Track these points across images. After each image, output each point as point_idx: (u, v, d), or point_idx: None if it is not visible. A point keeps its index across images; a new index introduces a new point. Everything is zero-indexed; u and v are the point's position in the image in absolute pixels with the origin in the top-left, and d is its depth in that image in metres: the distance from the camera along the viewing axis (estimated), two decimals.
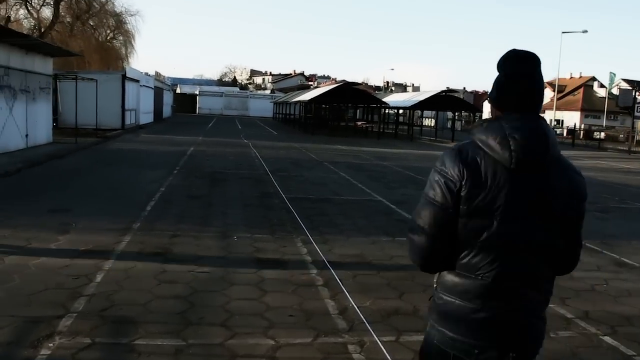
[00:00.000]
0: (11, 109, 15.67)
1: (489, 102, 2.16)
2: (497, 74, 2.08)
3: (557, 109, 52.74)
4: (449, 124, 66.62)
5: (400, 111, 46.42)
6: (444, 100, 39.32)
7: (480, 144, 1.97)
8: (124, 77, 28.44)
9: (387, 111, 53.86)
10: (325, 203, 11.04)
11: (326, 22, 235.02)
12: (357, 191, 12.89)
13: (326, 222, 9.22)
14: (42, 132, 18.39)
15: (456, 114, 43.44)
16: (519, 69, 2.02)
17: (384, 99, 43.57)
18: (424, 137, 40.90)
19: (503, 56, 2.07)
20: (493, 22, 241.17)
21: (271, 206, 10.34)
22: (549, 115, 74.42)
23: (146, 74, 45.33)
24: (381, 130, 39.87)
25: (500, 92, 2.05)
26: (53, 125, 24.88)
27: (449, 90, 41.16)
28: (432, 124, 67.47)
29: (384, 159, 21.51)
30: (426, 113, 54.81)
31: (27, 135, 16.95)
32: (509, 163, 1.91)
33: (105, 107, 27.46)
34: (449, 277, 2.04)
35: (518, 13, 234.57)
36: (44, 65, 18.42)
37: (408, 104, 40.15)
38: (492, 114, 2.09)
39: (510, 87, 2.02)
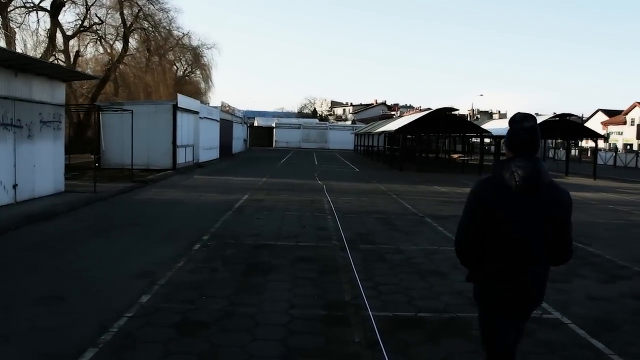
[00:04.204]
0: None
1: (504, 146, 3.34)
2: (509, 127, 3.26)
3: None
4: (551, 153, 58.82)
5: (488, 140, 40.17)
6: (557, 127, 32.47)
7: (497, 177, 3.16)
8: (176, 108, 23.91)
9: (474, 140, 47.58)
10: (459, 339, 5.30)
11: (408, 52, 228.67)
12: None
13: None
14: (45, 179, 13.74)
15: (571, 141, 36.36)
16: (523, 126, 3.18)
17: (482, 127, 37.21)
18: None
19: (512, 117, 3.26)
20: (571, 45, 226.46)
21: None
22: None
23: (224, 106, 41.49)
24: (482, 163, 33.42)
25: (511, 140, 3.22)
26: (95, 166, 20.69)
27: (564, 115, 34.03)
28: None
29: None
30: None
31: (15, 186, 12.33)
32: (515, 189, 3.08)
33: (154, 143, 23.16)
34: (485, 265, 3.21)
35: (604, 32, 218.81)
36: (50, 92, 13.89)
37: None
38: (506, 155, 3.26)
39: (517, 138, 3.19)
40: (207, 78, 53.78)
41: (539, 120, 32.51)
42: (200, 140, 28.81)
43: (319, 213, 13.25)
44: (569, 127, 33.38)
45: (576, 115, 55.37)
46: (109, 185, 16.89)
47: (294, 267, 7.86)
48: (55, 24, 34.80)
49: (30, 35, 33.91)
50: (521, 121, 3.20)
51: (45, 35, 34.38)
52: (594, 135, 34.40)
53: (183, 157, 25.46)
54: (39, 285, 6.58)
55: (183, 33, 46.47)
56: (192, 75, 56.49)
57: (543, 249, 3.16)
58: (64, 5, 35.74)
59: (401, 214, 13.60)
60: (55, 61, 34.60)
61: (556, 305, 6.43)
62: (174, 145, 23.82)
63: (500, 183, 3.12)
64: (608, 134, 71.01)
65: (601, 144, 56.60)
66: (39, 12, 34.31)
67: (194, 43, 48.93)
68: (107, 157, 23.67)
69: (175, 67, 52.33)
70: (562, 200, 3.17)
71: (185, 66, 55.56)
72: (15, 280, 6.81)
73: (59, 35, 36.06)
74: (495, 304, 3.24)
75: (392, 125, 37.10)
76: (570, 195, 3.21)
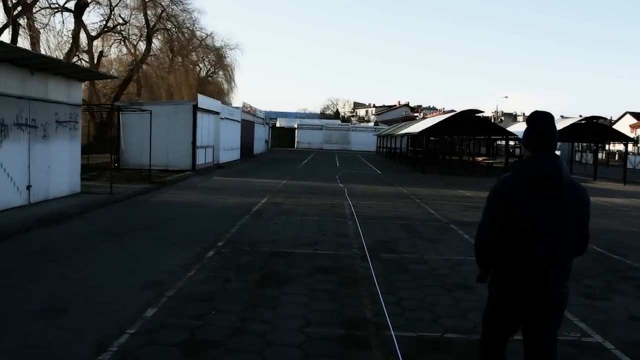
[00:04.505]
0: None
1: (522, 145, 3.28)
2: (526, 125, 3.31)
3: None
4: (578, 157, 57.31)
5: (513, 142, 39.64)
6: (584, 130, 31.57)
7: (518, 175, 3.16)
8: (196, 108, 23.65)
9: (498, 143, 46.83)
10: None
11: (431, 53, 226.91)
12: None
13: None
14: (60, 180, 13.51)
15: (599, 145, 35.27)
16: (541, 124, 3.21)
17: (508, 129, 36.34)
18: None
19: (529, 115, 3.29)
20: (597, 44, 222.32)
21: None
22: None
23: (246, 106, 41.28)
24: (507, 166, 32.64)
25: (528, 139, 3.22)
26: (114, 167, 20.49)
27: (591, 117, 33.04)
28: None
29: None
30: None
31: (28, 187, 12.10)
32: (535, 187, 3.08)
33: (174, 144, 22.96)
34: (504, 264, 3.18)
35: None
36: (67, 92, 13.66)
37: None
38: (524, 154, 3.26)
39: (535, 136, 3.19)
40: (229, 79, 53.55)
41: (566, 123, 31.78)
42: (221, 141, 28.56)
43: (340, 218, 12.79)
44: (597, 130, 32.41)
45: (604, 118, 54.10)
46: (126, 186, 16.65)
47: (311, 278, 7.41)
48: (79, 24, 34.87)
49: (54, 36, 33.96)
50: (538, 119, 3.25)
51: (69, 36, 34.48)
52: (624, 139, 33.34)
53: (203, 158, 25.21)
54: (40, 295, 6.23)
55: (206, 34, 46.40)
56: (215, 75, 56.39)
57: (563, 247, 3.13)
58: (88, 6, 35.82)
59: (425, 220, 13.08)
60: (79, 61, 34.69)
61: (595, 327, 5.87)
62: (194, 146, 23.57)
63: (520, 181, 3.13)
64: (637, 137, 69.28)
65: (630, 147, 55.16)
66: (64, 13, 34.43)
67: (217, 44, 48.82)
68: (127, 158, 23.52)
69: (198, 67, 52.31)
70: (582, 198, 3.18)
71: (208, 67, 55.50)
72: (16, 289, 6.47)
73: (83, 36, 36.19)
74: (512, 304, 3.20)
75: (416, 127, 36.49)
76: (587, 192, 3.24)
